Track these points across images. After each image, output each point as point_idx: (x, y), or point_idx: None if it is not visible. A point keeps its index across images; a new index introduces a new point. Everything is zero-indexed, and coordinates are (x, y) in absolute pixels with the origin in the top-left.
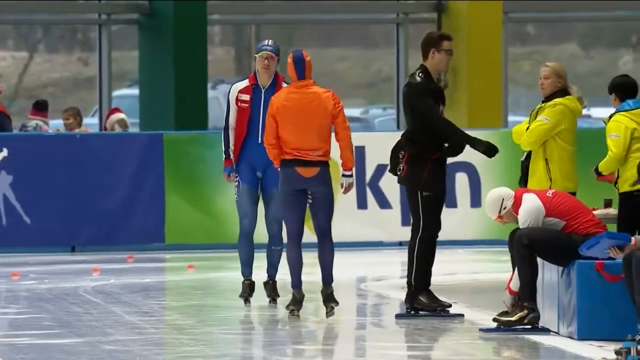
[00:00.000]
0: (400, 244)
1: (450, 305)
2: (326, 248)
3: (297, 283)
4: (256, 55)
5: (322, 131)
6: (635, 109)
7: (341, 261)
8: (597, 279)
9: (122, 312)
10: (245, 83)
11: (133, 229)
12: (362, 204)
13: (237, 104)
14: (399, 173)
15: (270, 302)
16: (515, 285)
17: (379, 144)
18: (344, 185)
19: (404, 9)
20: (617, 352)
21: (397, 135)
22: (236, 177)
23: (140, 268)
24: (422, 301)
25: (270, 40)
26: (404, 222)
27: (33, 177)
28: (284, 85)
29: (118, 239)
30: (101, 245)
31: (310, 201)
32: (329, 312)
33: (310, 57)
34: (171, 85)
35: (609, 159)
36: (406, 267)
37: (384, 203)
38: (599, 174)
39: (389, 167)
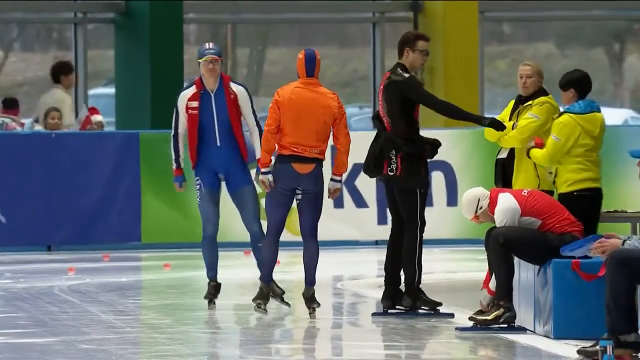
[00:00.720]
0: (376, 243)
1: (440, 304)
2: (311, 248)
3: (267, 278)
4: (200, 61)
5: (322, 130)
6: (586, 113)
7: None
8: (573, 278)
9: (98, 311)
10: (192, 90)
11: (109, 228)
12: (338, 203)
13: (187, 111)
14: (391, 173)
15: (281, 301)
16: (494, 284)
17: (356, 143)
18: (331, 189)
19: (380, 8)
20: (580, 352)
21: (373, 134)
22: (185, 187)
23: (116, 267)
24: (425, 300)
25: (211, 43)
26: (380, 221)
27: (9, 176)
28: (232, 84)
29: (94, 238)
30: (77, 244)
31: (299, 197)
32: (312, 313)
33: (320, 57)
34: (147, 84)
35: (542, 156)
36: (383, 266)
37: (360, 202)
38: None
39: (365, 167)
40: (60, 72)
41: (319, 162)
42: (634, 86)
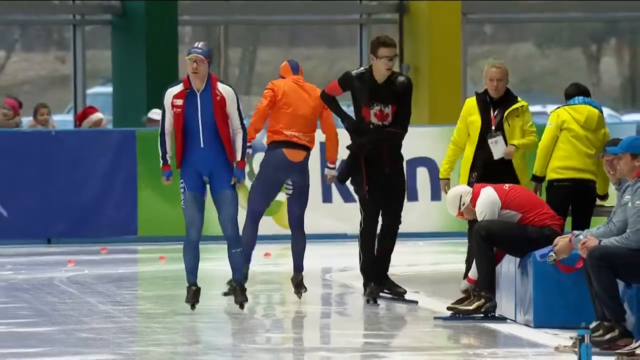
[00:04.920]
0: None
1: (405, 291)
2: (299, 237)
3: (247, 259)
4: (187, 59)
5: (311, 120)
6: (578, 104)
7: (307, 252)
8: (553, 269)
9: (96, 301)
10: (179, 87)
11: (107, 222)
12: (327, 197)
13: (172, 109)
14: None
15: (239, 307)
16: (474, 274)
17: (344, 140)
18: (328, 176)
19: (367, 10)
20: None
21: None
22: (171, 181)
23: (114, 259)
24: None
25: (201, 43)
26: None
27: (10, 172)
28: (219, 85)
29: (92, 231)
30: (76, 237)
31: (290, 192)
32: (299, 296)
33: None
34: (143, 83)
35: (540, 143)
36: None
37: (348, 197)
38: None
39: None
40: None
41: (308, 150)
42: (610, 85)
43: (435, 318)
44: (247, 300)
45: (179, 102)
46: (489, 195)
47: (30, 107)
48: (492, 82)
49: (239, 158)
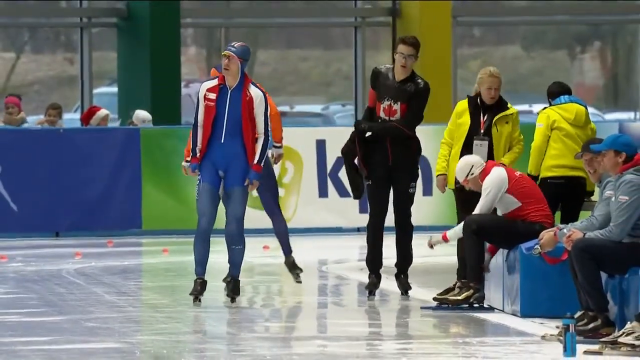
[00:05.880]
0: (358, 229)
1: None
2: (278, 222)
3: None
4: (222, 55)
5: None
6: (565, 103)
7: (304, 245)
8: (539, 261)
9: (102, 292)
10: (214, 82)
11: (112, 216)
12: (323, 192)
13: (204, 100)
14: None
15: (230, 300)
16: (451, 235)
17: (339, 138)
18: (275, 155)
19: (362, 14)
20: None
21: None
22: (198, 174)
23: (119, 252)
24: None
25: (238, 43)
26: (362, 210)
27: (20, 169)
28: (252, 86)
29: (98, 225)
30: (83, 230)
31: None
32: (298, 278)
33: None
34: (147, 83)
35: (533, 145)
36: (364, 251)
37: (343, 192)
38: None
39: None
40: None
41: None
42: (593, 85)
43: (422, 308)
44: (238, 294)
45: (212, 95)
46: (499, 174)
47: (39, 107)
48: (490, 90)
49: (256, 161)
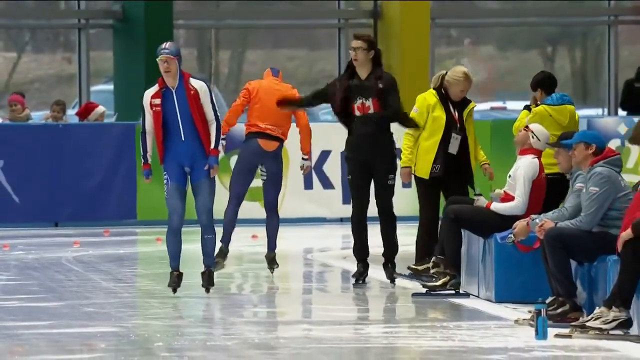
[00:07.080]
0: (341, 220)
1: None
2: (273, 219)
3: (227, 239)
4: (157, 60)
5: (284, 114)
6: (557, 104)
7: (290, 234)
8: (512, 249)
9: (99, 279)
10: (155, 88)
11: (109, 207)
12: (308, 184)
13: (151, 108)
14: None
15: (205, 291)
16: (496, 208)
17: (323, 133)
18: (304, 167)
19: (345, 15)
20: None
21: (338, 126)
22: (165, 174)
23: (115, 241)
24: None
25: (168, 43)
26: (345, 201)
27: (21, 162)
28: (192, 80)
29: (96, 215)
30: (81, 221)
31: (264, 178)
32: (272, 271)
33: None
34: (142, 81)
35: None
36: (351, 241)
37: (327, 184)
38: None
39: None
40: None
41: (281, 141)
42: (563, 84)
43: (413, 295)
44: (213, 285)
45: (157, 101)
46: (535, 165)
47: (39, 104)
48: (463, 92)
49: (212, 146)
